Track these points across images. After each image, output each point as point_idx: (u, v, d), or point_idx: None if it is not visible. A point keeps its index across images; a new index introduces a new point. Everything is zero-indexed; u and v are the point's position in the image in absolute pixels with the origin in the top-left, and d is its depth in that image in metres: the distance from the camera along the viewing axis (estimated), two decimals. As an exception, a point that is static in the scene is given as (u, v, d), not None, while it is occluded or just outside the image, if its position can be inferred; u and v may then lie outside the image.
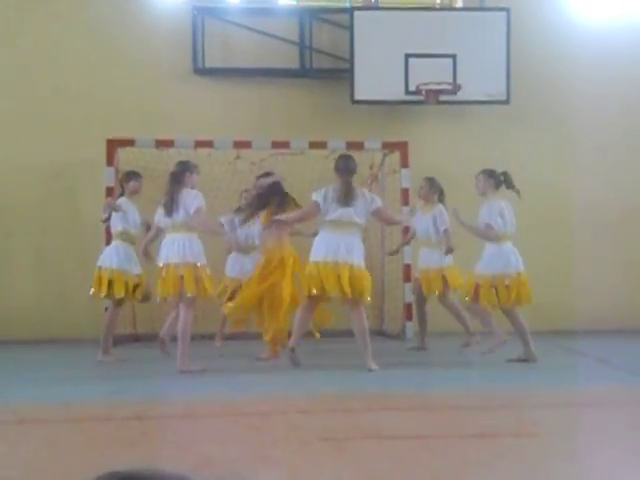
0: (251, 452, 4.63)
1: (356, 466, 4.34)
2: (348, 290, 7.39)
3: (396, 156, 10.48)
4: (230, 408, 6.04)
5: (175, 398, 6.56)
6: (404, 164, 10.33)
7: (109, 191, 9.81)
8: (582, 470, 4.33)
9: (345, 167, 7.69)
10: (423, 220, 8.94)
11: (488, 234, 8.01)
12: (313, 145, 10.14)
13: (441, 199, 9.06)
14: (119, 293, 8.21)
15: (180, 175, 7.76)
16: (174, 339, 8.16)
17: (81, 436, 5.12)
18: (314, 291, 7.51)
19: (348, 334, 9.92)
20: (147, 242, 8.11)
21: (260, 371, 7.77)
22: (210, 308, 9.64)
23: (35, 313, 10.34)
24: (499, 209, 8.03)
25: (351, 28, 10.48)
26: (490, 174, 8.17)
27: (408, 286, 10.07)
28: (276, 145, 10.08)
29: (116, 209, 8.31)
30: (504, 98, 10.62)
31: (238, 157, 10.06)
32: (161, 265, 7.62)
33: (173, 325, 8.18)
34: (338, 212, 7.49)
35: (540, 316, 10.85)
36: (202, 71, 10.76)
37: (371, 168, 10.77)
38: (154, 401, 6.45)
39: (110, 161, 9.91)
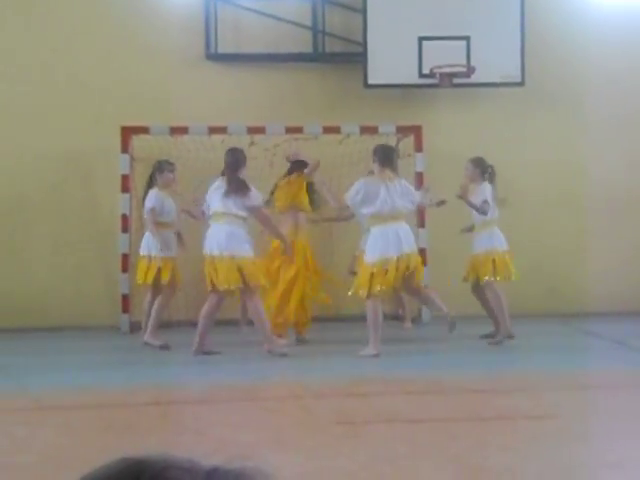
0: (268, 437, 4.65)
1: (372, 450, 4.35)
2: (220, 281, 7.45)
3: (410, 140, 10.41)
4: (246, 393, 6.06)
5: (192, 384, 6.59)
6: (418, 148, 10.27)
7: (124, 178, 9.83)
8: (600, 451, 4.32)
9: (232, 162, 7.76)
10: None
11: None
12: (327, 130, 10.09)
13: (491, 179, 8.60)
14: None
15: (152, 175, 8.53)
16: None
17: (99, 422, 5.16)
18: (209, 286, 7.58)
19: (362, 318, 9.91)
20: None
21: (275, 357, 7.79)
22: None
23: (52, 300, 10.38)
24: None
25: (364, 11, 10.40)
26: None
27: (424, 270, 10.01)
28: (290, 130, 10.03)
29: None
30: (519, 80, 10.52)
31: (252, 143, 10.02)
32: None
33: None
34: (220, 205, 7.61)
35: (555, 298, 10.81)
36: (215, 57, 10.72)
37: (385, 152, 10.72)
38: (171, 387, 6.48)
39: (125, 148, 9.90)
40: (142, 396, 5.92)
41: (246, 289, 7.55)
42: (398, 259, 7.53)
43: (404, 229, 7.67)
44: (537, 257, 10.82)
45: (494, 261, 8.37)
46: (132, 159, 10.00)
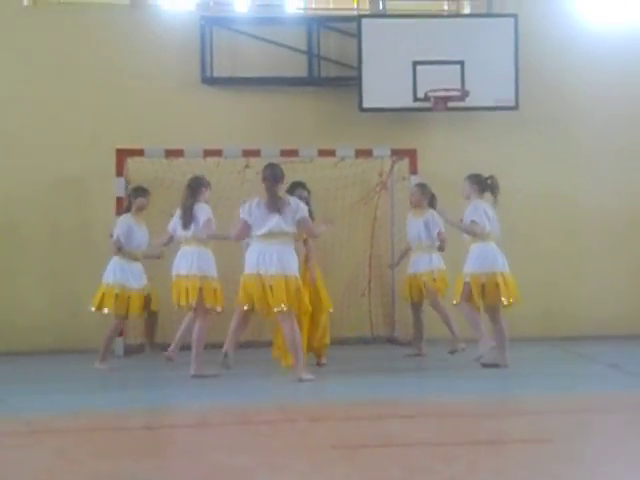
0: (262, 460, 4.63)
1: (367, 474, 4.33)
2: (274, 301, 7.30)
3: (405, 163, 10.48)
4: (241, 416, 6.04)
5: (186, 407, 6.56)
6: (413, 171, 10.33)
7: (119, 201, 9.84)
8: (593, 476, 4.31)
9: (272, 176, 7.55)
10: (415, 225, 9.03)
11: (474, 229, 8.15)
12: (322, 153, 10.15)
13: (432, 204, 9.07)
14: (119, 309, 8.55)
15: (196, 189, 8.06)
16: (184, 347, 8.21)
17: (92, 446, 5.13)
18: (245, 305, 7.46)
19: (357, 341, 9.93)
20: (158, 245, 8.60)
21: (270, 379, 7.77)
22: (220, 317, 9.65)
23: (46, 324, 10.35)
24: (484, 209, 8.20)
25: (359, 36, 10.50)
26: (474, 180, 8.38)
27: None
28: (285, 153, 10.09)
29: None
30: (512, 104, 10.61)
31: (247, 166, 10.08)
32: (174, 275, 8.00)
33: (184, 334, 8.26)
34: (267, 224, 7.39)
35: (550, 322, 10.84)
36: (211, 81, 10.79)
37: (380, 175, 10.77)
38: (165, 410, 6.45)
39: (120, 171, 9.94)
40: (136, 420, 5.90)
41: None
42: (502, 274, 8.07)
43: (499, 249, 8.24)
44: (531, 280, 10.84)
45: (434, 280, 8.98)
46: (127, 182, 10.02)
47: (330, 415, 6.00)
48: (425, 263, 8.95)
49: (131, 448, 5.03)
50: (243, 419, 5.94)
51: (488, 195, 8.34)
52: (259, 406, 6.42)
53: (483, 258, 8.10)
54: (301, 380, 7.32)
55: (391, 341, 10.49)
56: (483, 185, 8.33)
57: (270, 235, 7.38)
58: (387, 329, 10.68)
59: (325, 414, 6.02)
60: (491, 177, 8.37)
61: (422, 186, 9.27)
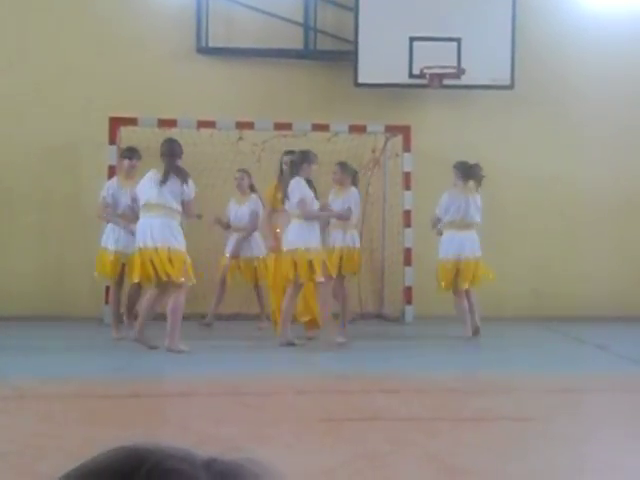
0: (249, 431, 4.65)
1: (353, 447, 4.36)
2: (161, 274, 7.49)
3: (399, 140, 10.44)
4: (229, 387, 6.06)
5: (174, 377, 6.58)
6: (406, 148, 10.30)
7: (111, 169, 9.80)
8: (578, 454, 4.35)
9: (169, 151, 7.80)
10: (337, 203, 8.78)
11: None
12: (316, 127, 10.09)
13: (354, 182, 8.96)
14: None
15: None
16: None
17: (80, 412, 5.15)
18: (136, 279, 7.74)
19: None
20: None
21: (259, 351, 7.79)
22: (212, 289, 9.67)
23: (36, 290, 10.34)
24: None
25: (356, 10, 10.42)
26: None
27: (408, 270, 10.07)
28: (279, 127, 10.03)
29: None
30: (508, 83, 10.57)
31: (241, 138, 10.02)
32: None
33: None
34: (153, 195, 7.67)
35: (540, 302, 10.87)
36: (206, 51, 10.71)
37: (373, 152, 10.73)
38: (153, 379, 6.47)
39: (113, 140, 9.87)
40: (123, 388, 5.91)
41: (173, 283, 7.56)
42: (457, 261, 8.66)
43: (470, 237, 8.78)
44: (522, 260, 10.88)
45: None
46: (119, 150, 9.96)
47: (317, 388, 6.03)
48: (349, 240, 8.86)
49: (118, 416, 5.05)
50: (230, 390, 5.96)
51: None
52: (247, 378, 6.44)
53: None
54: (179, 352, 7.37)
55: (379, 317, 10.52)
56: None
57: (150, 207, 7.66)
58: (376, 305, 10.71)
59: (312, 387, 6.05)
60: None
61: (343, 165, 9.06)
